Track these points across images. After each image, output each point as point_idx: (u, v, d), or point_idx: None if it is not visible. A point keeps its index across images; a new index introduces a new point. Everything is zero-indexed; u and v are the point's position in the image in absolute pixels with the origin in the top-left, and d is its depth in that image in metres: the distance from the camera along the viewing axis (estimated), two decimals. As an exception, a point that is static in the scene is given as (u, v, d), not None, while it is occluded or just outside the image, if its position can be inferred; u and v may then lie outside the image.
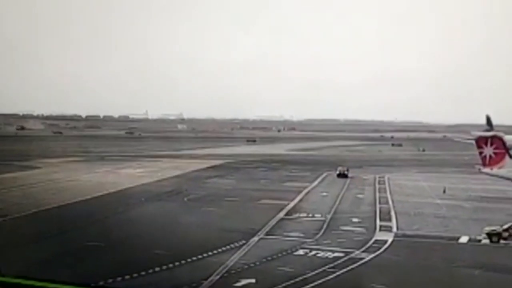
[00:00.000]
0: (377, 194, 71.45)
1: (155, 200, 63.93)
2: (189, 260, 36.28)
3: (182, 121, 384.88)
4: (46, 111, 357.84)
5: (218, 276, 33.09)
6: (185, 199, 64.94)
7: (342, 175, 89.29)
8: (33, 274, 32.48)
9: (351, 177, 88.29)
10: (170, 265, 34.87)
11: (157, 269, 33.92)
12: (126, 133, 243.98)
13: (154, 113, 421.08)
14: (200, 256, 37.23)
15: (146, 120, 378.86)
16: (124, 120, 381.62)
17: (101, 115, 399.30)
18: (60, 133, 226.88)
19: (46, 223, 49.01)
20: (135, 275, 32.52)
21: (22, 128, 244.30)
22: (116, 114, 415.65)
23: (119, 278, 31.78)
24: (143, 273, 33.00)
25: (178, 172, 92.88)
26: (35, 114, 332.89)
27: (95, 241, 40.98)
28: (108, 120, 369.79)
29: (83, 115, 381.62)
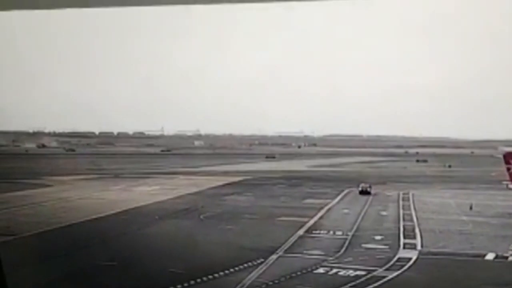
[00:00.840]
0: (401, 211, 69.52)
1: (170, 218, 62.87)
2: (204, 278, 35.16)
3: (199, 137, 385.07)
4: (57, 128, 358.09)
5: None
6: (201, 216, 63.84)
7: (365, 192, 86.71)
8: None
9: (374, 194, 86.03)
10: (185, 284, 33.80)
11: (171, 288, 32.87)
12: (162, 151, 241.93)
13: (170, 129, 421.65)
14: (216, 275, 36.13)
15: (162, 137, 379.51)
16: (139, 136, 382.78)
17: (115, 131, 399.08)
18: (73, 150, 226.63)
19: (56, 242, 48.05)
20: (148, 294, 31.51)
21: (43, 146, 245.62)
22: (130, 131, 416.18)
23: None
24: (156, 292, 32.00)
25: (194, 189, 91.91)
26: (46, 131, 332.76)
27: (107, 261, 40.13)
28: (122, 136, 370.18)
29: (96, 132, 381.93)
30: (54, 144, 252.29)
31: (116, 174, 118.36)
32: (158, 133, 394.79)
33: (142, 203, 73.83)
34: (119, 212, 66.01)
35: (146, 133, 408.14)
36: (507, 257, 43.06)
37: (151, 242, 49.40)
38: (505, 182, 73.61)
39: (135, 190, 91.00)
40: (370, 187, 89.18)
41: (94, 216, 61.91)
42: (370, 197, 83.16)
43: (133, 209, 69.00)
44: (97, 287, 34.15)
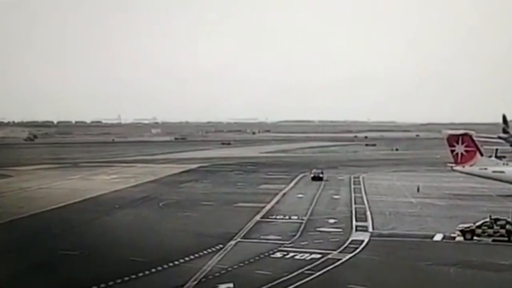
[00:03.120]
0: (353, 195, 71.85)
1: (130, 207, 63.05)
2: (165, 266, 35.88)
3: (156, 125, 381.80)
4: (16, 118, 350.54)
5: (195, 282, 32.76)
6: (160, 204, 64.28)
7: (317, 178, 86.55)
8: (5, 285, 31.64)
9: (326, 180, 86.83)
10: (147, 272, 34.41)
11: (133, 276, 33.44)
12: (176, 139, 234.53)
13: (127, 118, 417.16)
14: (176, 262, 36.86)
15: (118, 125, 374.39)
16: (97, 125, 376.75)
17: (73, 120, 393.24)
18: (32, 140, 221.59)
19: (16, 233, 47.53)
20: (110, 283, 31.98)
21: (35, 137, 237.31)
22: (88, 119, 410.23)
23: (94, 287, 31.16)
24: (119, 281, 32.49)
25: (152, 177, 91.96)
26: (5, 121, 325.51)
27: (68, 250, 40.18)
28: (80, 125, 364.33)
29: (55, 121, 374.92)
30: (23, 135, 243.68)
31: (75, 163, 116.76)
32: (115, 122, 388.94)
33: (102, 192, 73.63)
34: (79, 201, 65.78)
35: (103, 121, 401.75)
36: (454, 237, 45.31)
37: (111, 230, 49.62)
38: (449, 164, 76.70)
39: (94, 179, 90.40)
40: (322, 172, 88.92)
41: (54, 206, 61.53)
42: (323, 182, 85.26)
43: (92, 198, 68.86)
44: (58, 277, 34.29)
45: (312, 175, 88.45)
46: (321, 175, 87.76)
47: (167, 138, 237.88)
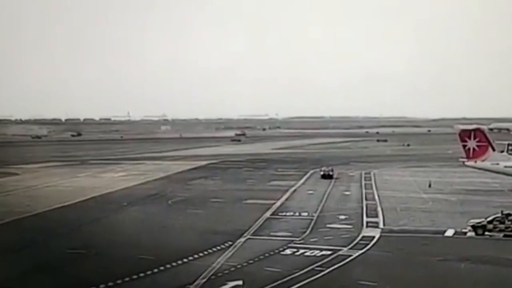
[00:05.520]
0: (364, 191, 71.34)
1: (139, 204, 62.94)
2: (174, 264, 35.72)
3: (166, 122, 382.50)
4: (24, 116, 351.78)
5: (204, 280, 32.56)
6: (170, 202, 64.16)
7: (327, 176, 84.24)
8: (12, 285, 31.54)
9: (337, 178, 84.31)
10: (155, 270, 34.26)
11: (141, 274, 33.30)
12: (237, 134, 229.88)
13: (136, 115, 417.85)
14: (185, 260, 36.69)
15: (128, 122, 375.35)
16: (105, 122, 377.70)
17: (81, 118, 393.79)
18: (39, 137, 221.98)
19: (24, 232, 47.56)
20: (119, 281, 31.86)
21: (79, 134, 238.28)
22: (97, 117, 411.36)
23: (102, 286, 31.06)
24: (127, 279, 32.36)
25: (161, 174, 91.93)
26: (13, 119, 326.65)
27: (76, 249, 40.04)
28: (89, 123, 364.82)
29: (63, 119, 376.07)
30: (44, 132, 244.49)
31: (83, 161, 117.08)
32: (124, 119, 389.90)
33: (110, 190, 73.55)
34: (87, 199, 65.65)
35: (112, 118, 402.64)
36: (465, 233, 44.83)
37: (120, 229, 49.50)
38: (461, 159, 75.98)
39: (102, 177, 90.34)
40: (332, 170, 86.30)
41: (62, 204, 61.43)
42: (333, 179, 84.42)
43: (101, 196, 68.73)
44: (66, 276, 34.24)
45: (322, 173, 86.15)
46: (331, 173, 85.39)
47: (177, 135, 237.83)
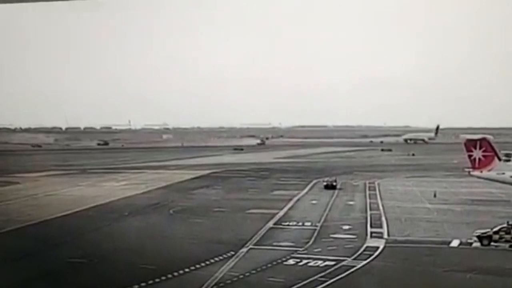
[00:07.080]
0: (368, 200, 70.80)
1: (140, 213, 62.51)
2: (176, 273, 35.29)
3: (167, 130, 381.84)
4: (23, 124, 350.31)
5: (206, 290, 32.15)
6: (171, 211, 63.71)
7: (330, 187, 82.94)
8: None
9: (340, 188, 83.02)
10: (157, 280, 33.85)
11: (143, 284, 32.89)
12: (259, 144, 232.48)
13: (137, 123, 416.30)
14: (187, 269, 36.28)
15: (129, 131, 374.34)
16: (106, 131, 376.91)
17: (82, 126, 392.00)
18: (40, 146, 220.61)
19: (25, 240, 47.30)
20: (120, 291, 31.49)
21: (106, 143, 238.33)
22: (97, 125, 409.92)
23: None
24: (128, 288, 31.97)
25: (163, 184, 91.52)
26: (12, 127, 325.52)
27: (77, 258, 39.70)
28: (89, 131, 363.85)
29: (63, 127, 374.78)
30: (50, 140, 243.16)
31: (83, 170, 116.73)
32: (125, 127, 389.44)
33: (111, 199, 73.15)
34: (88, 209, 65.29)
35: (113, 127, 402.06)
36: (471, 243, 44.33)
37: (121, 238, 49.15)
38: (467, 169, 75.34)
39: (103, 186, 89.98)
40: (335, 181, 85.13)
41: (62, 213, 61.16)
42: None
43: (102, 205, 68.34)
44: (67, 285, 33.88)
45: (325, 183, 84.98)
46: (334, 184, 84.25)
47: (178, 144, 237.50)
